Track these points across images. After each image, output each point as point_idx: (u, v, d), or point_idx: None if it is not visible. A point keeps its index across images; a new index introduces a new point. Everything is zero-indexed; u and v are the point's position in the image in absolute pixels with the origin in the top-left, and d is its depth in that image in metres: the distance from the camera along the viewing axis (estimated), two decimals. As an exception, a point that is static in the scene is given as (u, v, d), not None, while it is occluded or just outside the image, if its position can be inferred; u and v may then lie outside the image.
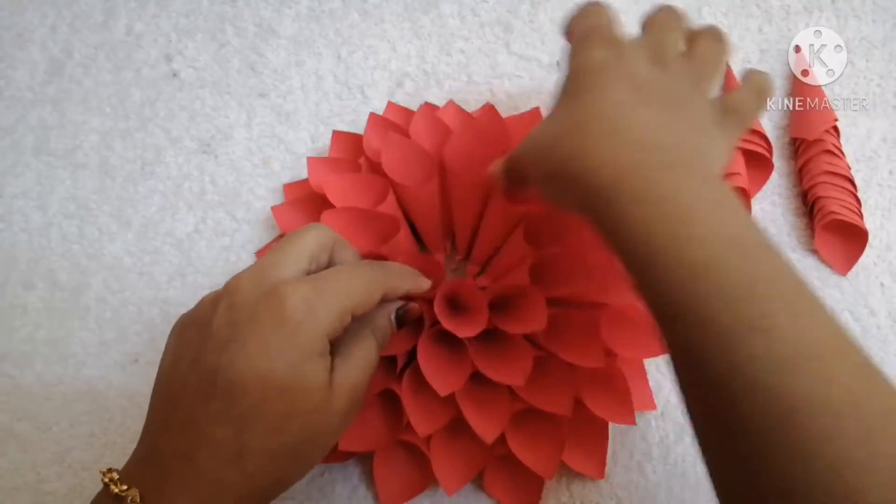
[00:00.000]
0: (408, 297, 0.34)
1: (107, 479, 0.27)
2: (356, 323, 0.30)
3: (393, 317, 0.33)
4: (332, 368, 0.29)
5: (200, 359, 0.28)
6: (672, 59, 0.32)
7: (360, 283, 0.30)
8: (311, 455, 0.29)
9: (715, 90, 0.33)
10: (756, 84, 0.34)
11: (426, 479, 0.38)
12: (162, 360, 0.30)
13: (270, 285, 0.28)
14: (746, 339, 0.23)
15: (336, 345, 0.29)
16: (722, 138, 0.31)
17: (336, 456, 0.38)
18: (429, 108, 0.44)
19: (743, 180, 0.43)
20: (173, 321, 0.31)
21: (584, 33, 0.33)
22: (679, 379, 0.27)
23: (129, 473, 0.28)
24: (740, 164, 0.43)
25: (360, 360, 0.30)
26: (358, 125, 0.47)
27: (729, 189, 0.28)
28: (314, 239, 0.30)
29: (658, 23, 0.33)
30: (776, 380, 0.23)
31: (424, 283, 0.34)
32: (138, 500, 0.27)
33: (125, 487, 0.27)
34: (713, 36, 0.33)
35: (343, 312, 0.28)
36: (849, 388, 0.23)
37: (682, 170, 0.27)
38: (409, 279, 0.33)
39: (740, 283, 0.24)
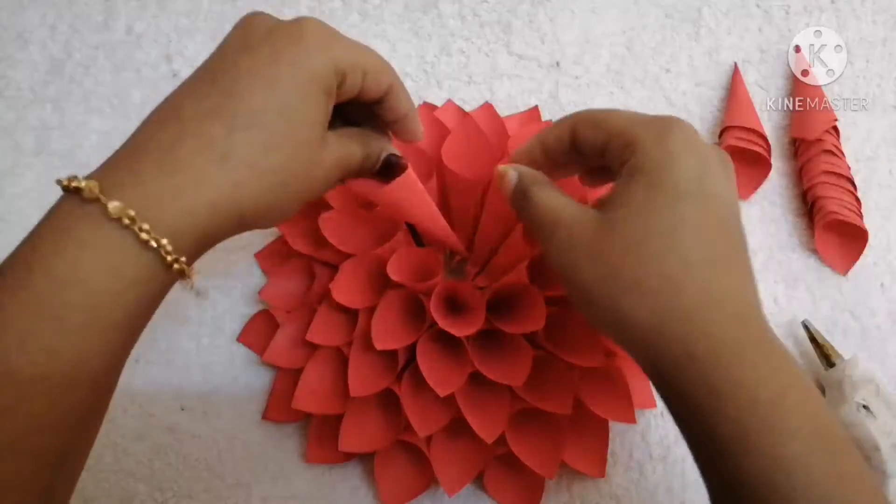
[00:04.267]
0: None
1: (65, 182, 0.24)
2: (355, 129, 0.30)
3: (384, 154, 0.32)
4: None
5: (202, 68, 0.26)
6: (728, 160, 0.29)
7: (376, 56, 0.29)
8: (289, 195, 0.27)
9: None
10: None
11: (427, 480, 0.38)
12: None
13: (291, 20, 0.27)
14: None
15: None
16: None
17: (337, 456, 0.38)
18: (427, 107, 0.44)
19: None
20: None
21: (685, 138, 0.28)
22: None
23: (93, 174, 0.25)
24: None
25: (348, 145, 0.30)
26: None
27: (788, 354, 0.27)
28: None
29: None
30: None
31: (420, 129, 0.32)
32: (97, 191, 0.23)
33: (80, 181, 0.23)
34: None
35: (355, 65, 0.27)
36: None
37: (774, 349, 0.26)
38: (412, 103, 0.32)
39: (829, 480, 0.24)
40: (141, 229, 0.23)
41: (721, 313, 0.26)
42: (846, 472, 0.24)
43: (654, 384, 0.28)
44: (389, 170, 0.32)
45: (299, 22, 0.27)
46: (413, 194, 0.34)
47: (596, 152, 0.30)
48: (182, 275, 0.25)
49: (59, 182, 0.24)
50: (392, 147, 0.33)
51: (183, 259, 0.24)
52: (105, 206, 0.23)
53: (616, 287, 0.26)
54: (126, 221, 0.23)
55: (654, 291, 0.26)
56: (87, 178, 0.24)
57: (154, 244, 0.23)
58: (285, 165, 0.26)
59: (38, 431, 0.23)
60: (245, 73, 0.25)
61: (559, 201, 0.29)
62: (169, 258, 0.24)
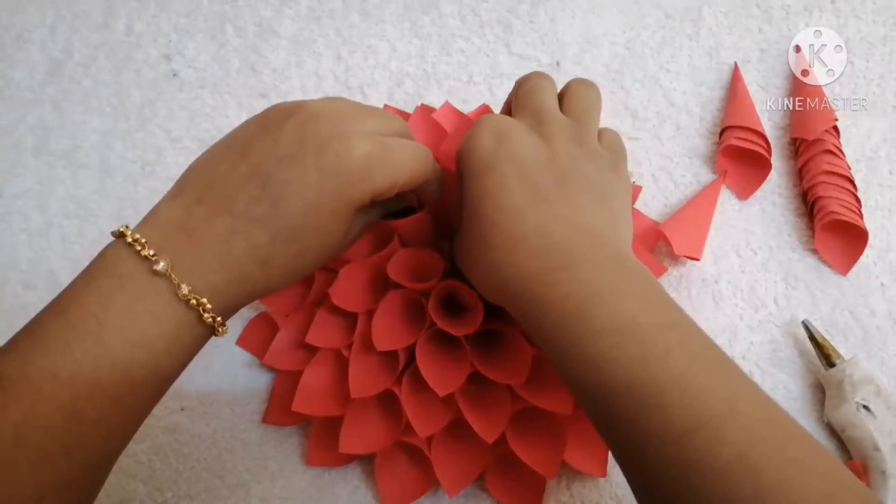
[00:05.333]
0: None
1: (130, 239, 0.27)
2: None
3: (402, 206, 0.36)
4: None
5: (257, 158, 0.29)
6: (553, 120, 0.33)
7: (416, 164, 0.32)
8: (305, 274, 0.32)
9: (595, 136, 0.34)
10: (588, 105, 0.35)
11: (428, 481, 0.38)
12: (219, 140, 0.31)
13: (346, 129, 0.30)
14: (645, 418, 0.25)
15: None
16: (619, 181, 0.33)
17: (338, 458, 0.38)
18: (425, 109, 0.44)
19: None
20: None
21: (478, 121, 0.33)
22: (608, 446, 0.29)
23: (156, 237, 0.28)
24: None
25: (370, 215, 0.34)
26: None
27: (629, 262, 0.29)
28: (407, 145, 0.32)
29: (531, 87, 0.35)
30: (675, 451, 0.24)
31: (434, 195, 0.36)
32: (169, 269, 0.27)
33: (153, 253, 0.27)
34: (583, 84, 0.35)
35: (394, 184, 0.31)
36: (742, 450, 0.24)
37: (582, 264, 0.28)
38: (438, 178, 0.35)
39: (634, 368, 0.26)
40: (205, 310, 0.27)
41: (523, 251, 0.29)
42: (651, 354, 0.26)
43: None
44: (404, 212, 0.36)
45: (349, 147, 0.29)
46: (418, 230, 0.37)
47: None
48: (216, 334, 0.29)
49: (120, 234, 0.28)
50: (412, 198, 0.37)
51: (225, 327, 0.29)
52: (178, 287, 0.27)
53: (471, 268, 0.32)
54: (193, 303, 0.27)
55: (479, 256, 0.31)
56: (138, 229, 0.28)
57: (210, 320, 0.28)
58: (314, 265, 0.31)
59: (90, 468, 0.26)
60: (293, 192, 0.28)
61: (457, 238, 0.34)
62: (220, 330, 0.29)
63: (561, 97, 0.35)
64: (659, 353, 0.26)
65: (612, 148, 0.34)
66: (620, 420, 0.26)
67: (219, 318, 0.28)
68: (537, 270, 0.29)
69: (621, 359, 0.26)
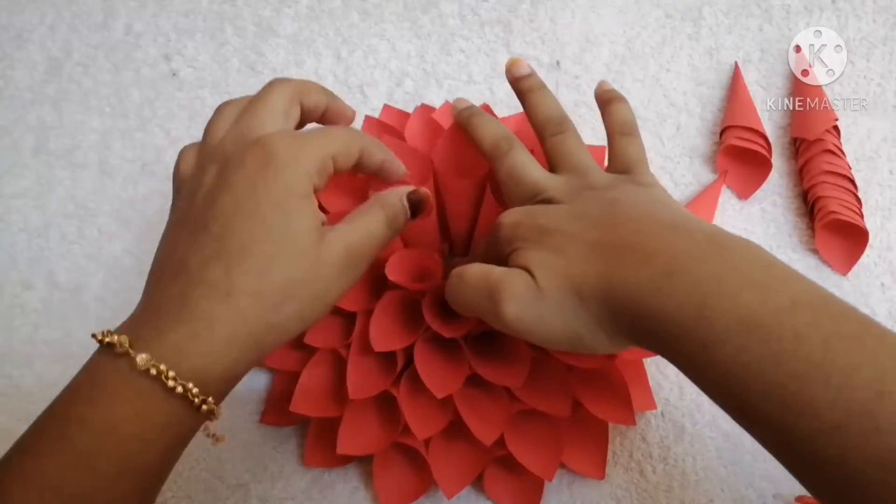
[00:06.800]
0: (385, 177, 0.34)
1: (99, 336, 0.27)
2: (367, 201, 0.33)
3: (405, 200, 0.33)
4: (328, 227, 0.30)
5: (191, 214, 0.29)
6: (553, 187, 0.32)
7: (338, 135, 0.31)
8: (303, 303, 0.29)
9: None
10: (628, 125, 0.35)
11: (426, 482, 0.38)
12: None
13: (254, 138, 0.29)
14: (791, 420, 0.24)
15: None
16: (647, 188, 0.32)
17: (336, 460, 0.38)
18: (425, 109, 0.43)
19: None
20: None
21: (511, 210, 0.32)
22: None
23: (122, 328, 0.27)
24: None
25: (361, 225, 0.31)
26: (357, 125, 0.47)
27: (724, 240, 0.28)
28: (280, 94, 0.31)
29: (510, 168, 0.34)
30: (830, 450, 0.23)
31: (400, 166, 0.34)
32: (126, 344, 0.26)
33: (113, 336, 0.26)
34: (560, 136, 0.34)
35: (324, 157, 0.30)
36: None
37: (686, 262, 0.27)
38: (383, 149, 0.33)
39: (767, 368, 0.24)
40: (167, 377, 0.25)
41: (631, 262, 0.27)
42: (781, 348, 0.24)
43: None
44: (415, 208, 0.34)
45: (263, 144, 0.29)
46: (422, 232, 0.37)
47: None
48: (212, 414, 0.27)
49: (94, 336, 0.27)
50: (406, 187, 0.34)
51: (210, 399, 0.27)
52: (133, 360, 0.25)
53: (567, 313, 0.29)
54: (153, 372, 0.25)
55: (592, 290, 0.28)
56: (118, 331, 0.27)
57: (181, 389, 0.26)
58: (286, 279, 0.28)
59: None
60: (230, 214, 0.28)
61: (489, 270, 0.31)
62: (196, 400, 0.26)
63: (546, 151, 0.35)
64: (789, 346, 0.24)
65: (624, 167, 0.33)
66: (767, 423, 0.24)
67: (190, 385, 0.26)
68: (648, 280, 0.27)
69: (752, 361, 0.24)
